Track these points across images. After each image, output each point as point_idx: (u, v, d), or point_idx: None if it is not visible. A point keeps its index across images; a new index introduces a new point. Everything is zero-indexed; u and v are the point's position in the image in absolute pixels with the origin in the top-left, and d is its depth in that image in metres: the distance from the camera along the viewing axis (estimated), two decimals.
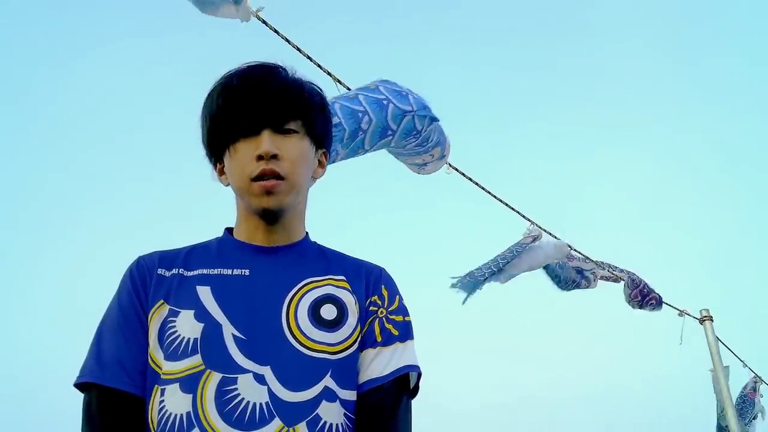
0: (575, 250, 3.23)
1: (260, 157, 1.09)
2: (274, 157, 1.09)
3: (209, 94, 1.17)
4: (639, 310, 3.84)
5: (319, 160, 1.23)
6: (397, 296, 1.21)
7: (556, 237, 3.12)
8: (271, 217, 1.15)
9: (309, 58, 2.09)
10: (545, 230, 3.04)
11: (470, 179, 2.51)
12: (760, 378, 5.41)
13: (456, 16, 6.20)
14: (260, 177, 1.09)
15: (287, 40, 2.10)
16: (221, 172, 1.19)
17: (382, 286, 1.20)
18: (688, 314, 4.51)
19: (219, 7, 1.83)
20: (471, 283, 2.65)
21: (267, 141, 1.09)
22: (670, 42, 6.54)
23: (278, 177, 1.10)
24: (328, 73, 2.14)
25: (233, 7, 1.85)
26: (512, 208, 2.84)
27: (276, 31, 2.09)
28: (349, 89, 2.28)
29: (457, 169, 2.39)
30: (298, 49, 2.09)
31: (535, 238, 2.94)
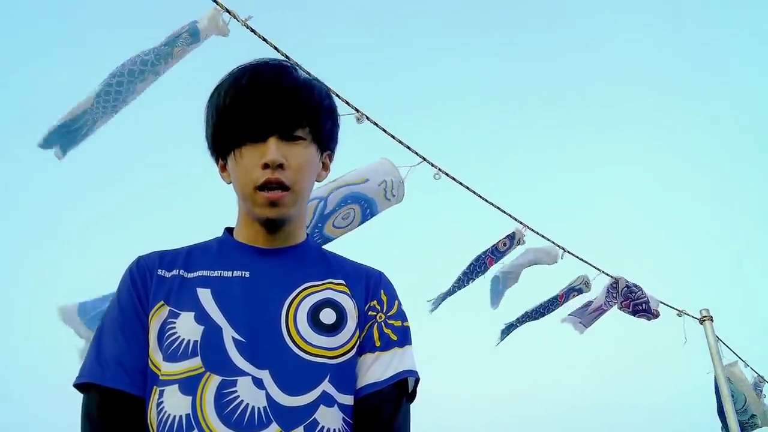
0: (568, 252, 3.23)
1: (266, 166, 1.08)
2: (280, 166, 1.08)
3: (216, 91, 1.15)
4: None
5: (323, 163, 1.21)
6: (396, 301, 1.21)
7: (549, 239, 3.13)
8: (273, 227, 1.15)
9: (297, 65, 2.10)
10: (538, 232, 3.05)
11: (461, 183, 2.52)
12: (761, 377, 5.39)
13: (446, 17, 6.21)
14: (265, 185, 1.09)
15: (276, 48, 2.12)
16: (223, 169, 1.19)
17: (382, 291, 1.19)
18: (687, 314, 4.49)
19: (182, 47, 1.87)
20: (439, 298, 2.83)
21: (274, 150, 1.08)
22: (673, 33, 6.51)
23: (283, 186, 1.09)
24: (318, 81, 2.16)
25: (210, 25, 1.86)
26: (504, 212, 2.85)
27: (265, 40, 2.10)
28: (337, 95, 2.30)
29: (447, 174, 2.40)
30: (287, 57, 2.10)
31: (512, 240, 2.97)
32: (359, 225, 2.10)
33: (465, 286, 3.02)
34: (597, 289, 3.70)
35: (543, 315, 3.57)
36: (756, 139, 6.69)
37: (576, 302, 3.73)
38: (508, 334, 3.52)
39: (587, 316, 3.71)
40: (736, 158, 6.80)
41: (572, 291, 3.64)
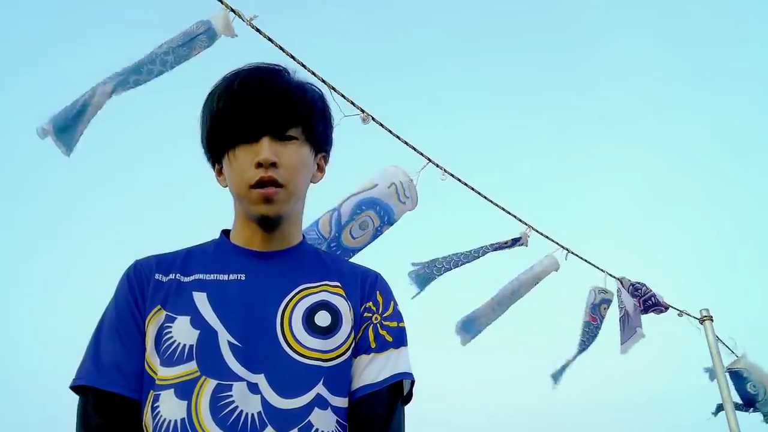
0: (572, 253, 3.24)
1: (259, 165, 1.09)
2: (273, 164, 1.09)
3: (210, 95, 1.17)
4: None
5: (318, 164, 1.23)
6: (392, 302, 1.21)
7: (552, 240, 3.13)
8: (268, 225, 1.15)
9: (303, 65, 2.10)
10: (542, 233, 3.05)
11: (466, 184, 2.52)
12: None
13: (451, 17, 6.21)
14: (259, 184, 1.09)
15: (281, 48, 2.11)
16: (219, 173, 1.20)
17: (377, 292, 1.20)
18: (687, 314, 4.50)
19: (195, 46, 1.85)
20: (424, 277, 2.74)
21: (266, 148, 1.09)
22: (672, 31, 6.52)
23: (277, 185, 1.10)
24: (323, 81, 2.15)
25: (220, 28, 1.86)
26: (509, 212, 2.85)
27: (270, 40, 2.10)
28: (343, 96, 2.30)
29: (452, 175, 2.40)
30: (292, 57, 2.10)
31: (515, 242, 2.96)
32: (378, 233, 2.08)
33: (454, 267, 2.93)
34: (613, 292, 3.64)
35: (591, 343, 3.42)
36: (760, 135, 6.70)
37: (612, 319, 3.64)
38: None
39: (628, 330, 3.65)
40: (736, 158, 6.81)
41: (597, 307, 3.54)
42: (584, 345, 3.49)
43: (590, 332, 3.53)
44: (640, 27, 6.46)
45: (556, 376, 3.41)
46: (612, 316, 3.67)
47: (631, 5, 6.39)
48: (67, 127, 1.74)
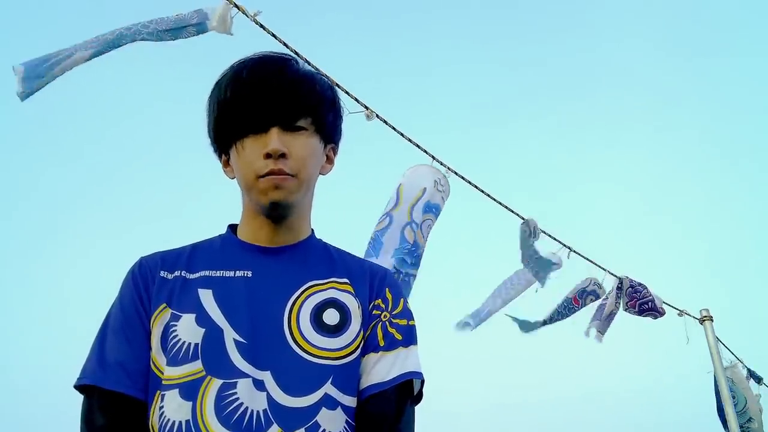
0: (575, 251, 3.24)
1: (268, 156, 1.06)
2: (283, 155, 1.07)
3: (217, 84, 1.14)
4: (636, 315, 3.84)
5: (327, 156, 1.20)
6: (402, 299, 1.18)
7: (554, 238, 3.13)
8: (277, 214, 1.12)
9: (307, 62, 2.09)
10: (543, 231, 3.05)
11: (469, 182, 2.52)
12: (759, 378, 5.40)
13: (454, 16, 6.21)
14: (268, 175, 1.07)
15: (285, 45, 2.10)
16: (226, 164, 1.17)
17: (387, 289, 1.17)
18: (687, 314, 4.50)
19: (184, 32, 1.82)
20: (527, 324, 2.86)
21: (275, 139, 1.06)
22: (668, 38, 6.54)
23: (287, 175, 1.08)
24: (326, 77, 2.15)
25: (213, 23, 1.84)
26: (512, 211, 2.85)
27: (274, 35, 2.09)
28: (347, 93, 2.29)
29: (456, 173, 2.40)
30: (296, 53, 2.09)
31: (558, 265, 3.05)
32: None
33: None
34: (607, 291, 3.69)
35: (562, 319, 3.52)
36: (758, 136, 6.71)
37: (591, 307, 3.69)
38: (531, 329, 3.42)
39: (603, 322, 3.68)
40: (737, 156, 6.82)
41: (586, 294, 3.60)
42: (556, 317, 3.50)
43: (566, 310, 3.55)
44: (643, 34, 6.48)
45: (523, 327, 3.41)
46: (592, 310, 3.74)
47: (632, 15, 6.43)
48: (36, 76, 1.69)
